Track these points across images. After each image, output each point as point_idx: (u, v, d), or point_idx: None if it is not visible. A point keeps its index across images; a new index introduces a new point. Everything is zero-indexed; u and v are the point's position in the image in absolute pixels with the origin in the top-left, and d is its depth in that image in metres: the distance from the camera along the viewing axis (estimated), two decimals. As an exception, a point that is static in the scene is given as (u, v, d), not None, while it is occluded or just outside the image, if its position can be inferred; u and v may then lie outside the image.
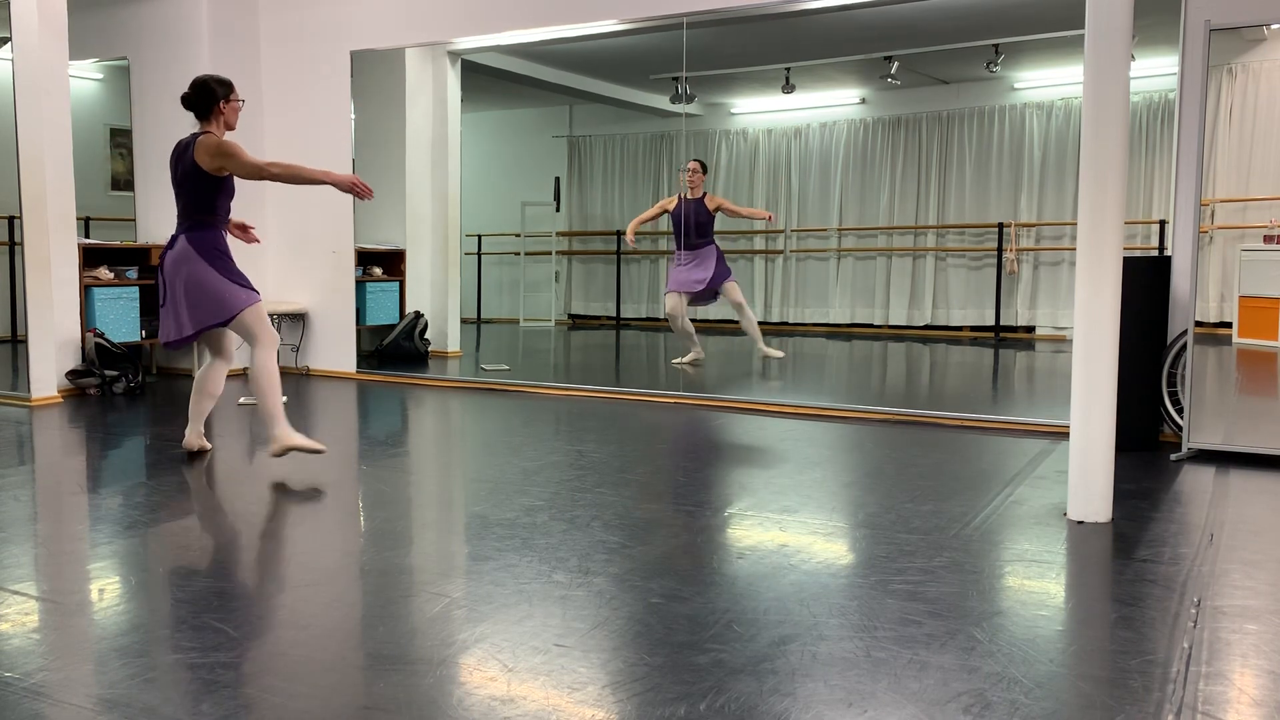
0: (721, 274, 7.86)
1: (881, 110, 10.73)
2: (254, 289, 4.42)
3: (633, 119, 11.55)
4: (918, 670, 2.25)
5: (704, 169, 7.98)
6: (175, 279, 4.34)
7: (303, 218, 7.59)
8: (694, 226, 7.84)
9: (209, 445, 4.75)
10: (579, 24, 6.56)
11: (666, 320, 8.05)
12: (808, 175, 11.05)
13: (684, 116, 10.53)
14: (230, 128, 4.43)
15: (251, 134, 7.61)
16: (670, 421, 5.60)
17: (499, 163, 12.29)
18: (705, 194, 7.89)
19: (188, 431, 4.64)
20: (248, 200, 7.57)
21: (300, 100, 7.57)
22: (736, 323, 11.15)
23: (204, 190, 4.33)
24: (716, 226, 11.31)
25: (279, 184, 7.56)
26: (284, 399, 6.29)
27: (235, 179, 4.40)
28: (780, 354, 7.83)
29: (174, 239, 4.38)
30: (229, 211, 4.46)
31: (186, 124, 7.65)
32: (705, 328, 11.10)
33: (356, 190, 4.30)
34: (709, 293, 7.90)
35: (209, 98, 4.35)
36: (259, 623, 2.53)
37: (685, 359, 7.91)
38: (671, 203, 7.95)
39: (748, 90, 10.80)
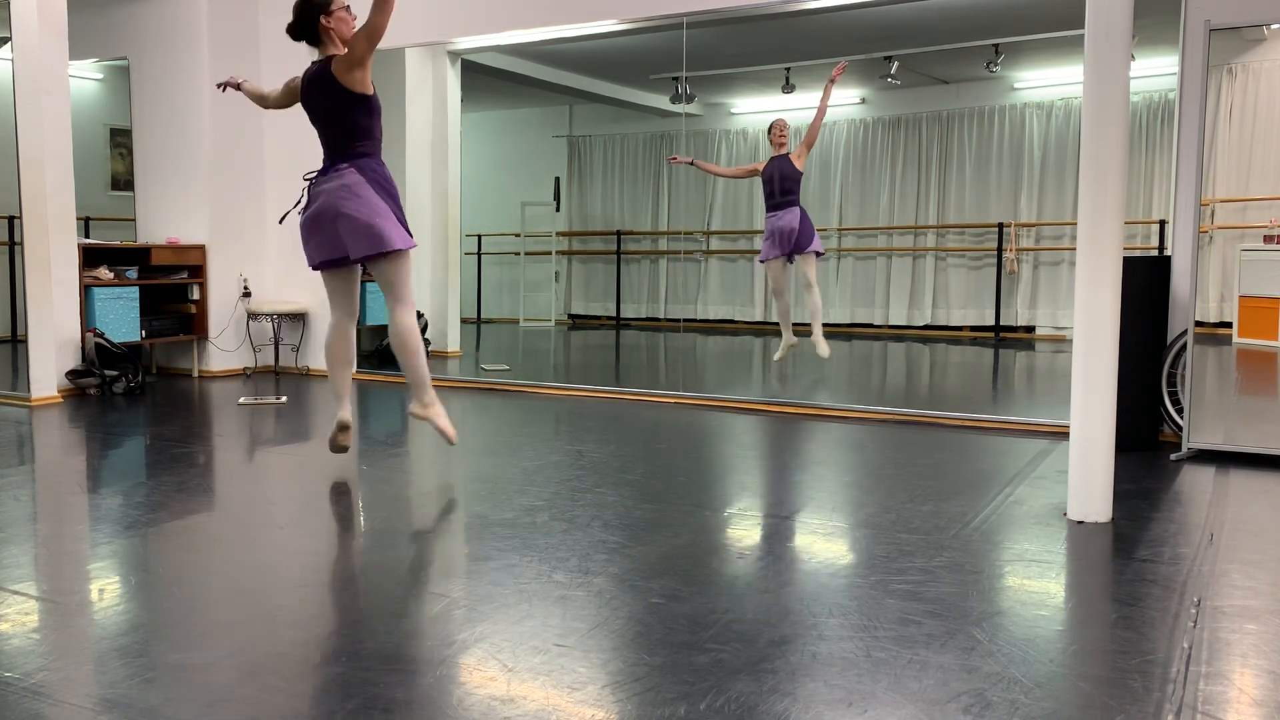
0: (806, 236, 7.40)
1: (881, 110, 10.73)
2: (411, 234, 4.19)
3: (633, 119, 11.56)
4: (918, 670, 2.25)
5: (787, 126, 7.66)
6: (342, 203, 4.01)
7: (303, 218, 7.59)
8: (779, 183, 7.50)
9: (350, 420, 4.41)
10: (579, 24, 6.55)
11: (771, 293, 7.61)
12: (808, 175, 11.02)
13: (684, 116, 10.54)
14: (344, 39, 4.07)
15: (252, 134, 7.62)
16: (670, 421, 5.60)
17: (499, 163, 12.30)
18: (789, 151, 7.57)
19: (345, 412, 4.33)
20: (249, 190, 7.58)
21: (300, 100, 7.57)
22: (734, 322, 11.18)
23: (358, 115, 4.04)
24: (716, 224, 11.38)
25: (279, 180, 7.57)
26: (283, 399, 6.31)
27: (379, 101, 4.12)
28: (827, 354, 7.54)
29: (335, 168, 4.06)
30: (381, 135, 4.15)
31: (185, 123, 7.63)
32: (702, 328, 11.11)
33: None
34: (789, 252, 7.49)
35: (310, 15, 4.04)
36: (259, 623, 2.53)
37: (779, 353, 7.61)
38: (761, 165, 7.65)
39: (748, 90, 10.80)
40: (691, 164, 7.85)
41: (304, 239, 4.21)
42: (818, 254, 7.54)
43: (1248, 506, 3.77)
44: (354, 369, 4.22)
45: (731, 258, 11.38)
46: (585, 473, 4.25)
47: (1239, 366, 5.29)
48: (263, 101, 4.50)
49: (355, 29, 4.07)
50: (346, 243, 4.07)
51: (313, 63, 4.14)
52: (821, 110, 7.54)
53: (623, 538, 3.28)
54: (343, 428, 4.32)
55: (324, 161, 4.15)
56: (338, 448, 4.41)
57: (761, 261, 7.65)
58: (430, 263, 8.55)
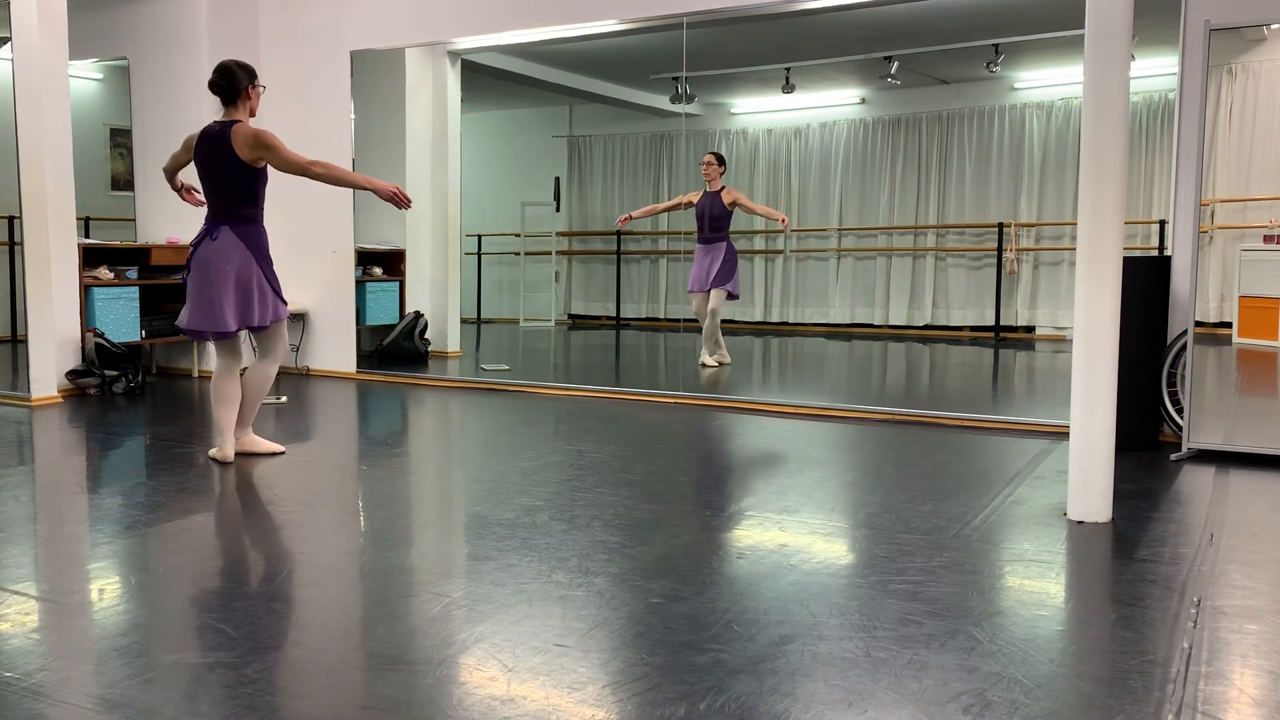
0: (723, 275, 7.72)
1: (881, 110, 10.73)
2: (285, 300, 4.53)
3: (633, 119, 11.55)
4: (918, 670, 2.25)
5: (720, 161, 7.81)
6: (221, 272, 4.27)
7: (302, 217, 7.60)
8: (708, 220, 7.75)
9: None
10: (579, 24, 6.56)
11: (695, 319, 7.99)
12: (808, 175, 11.04)
13: (684, 116, 10.53)
14: (253, 114, 4.44)
15: (251, 134, 7.61)
16: (670, 421, 5.60)
17: (499, 163, 12.29)
18: (723, 188, 7.78)
19: (228, 448, 4.46)
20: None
21: (300, 100, 7.57)
22: (734, 322, 11.17)
23: (245, 181, 4.31)
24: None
25: (277, 180, 7.56)
26: (284, 399, 6.31)
27: (270, 168, 4.41)
28: (715, 366, 7.72)
29: (213, 229, 4.31)
30: (264, 201, 4.43)
31: (185, 123, 7.65)
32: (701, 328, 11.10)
33: (397, 200, 4.34)
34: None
35: (237, 82, 4.35)
36: (259, 623, 2.53)
37: (710, 359, 7.78)
38: (696, 196, 7.87)
39: (748, 90, 10.80)
40: (630, 219, 8.09)
41: (188, 300, 4.40)
42: (731, 294, 7.81)
43: (1248, 506, 3.77)
44: (238, 407, 4.54)
45: (731, 258, 11.36)
46: (585, 473, 4.25)
47: (1239, 366, 5.29)
48: (177, 166, 4.65)
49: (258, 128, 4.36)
50: (229, 314, 4.30)
51: (214, 121, 4.39)
52: (754, 211, 8.15)
53: (623, 538, 3.27)
54: (222, 462, 4.49)
55: (205, 218, 4.38)
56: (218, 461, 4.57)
57: (689, 291, 7.97)
58: (430, 263, 8.55)
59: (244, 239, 4.30)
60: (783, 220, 8.10)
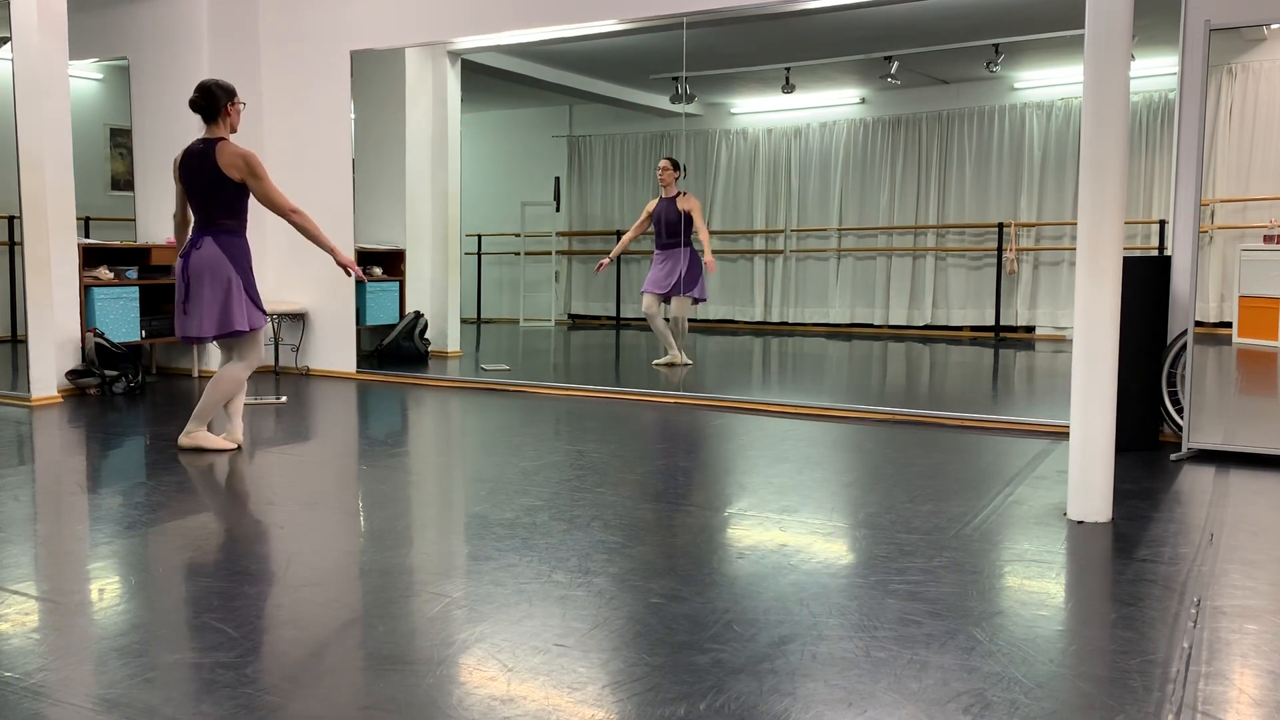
0: (688, 283, 7.66)
1: (881, 110, 10.73)
2: (264, 310, 4.72)
3: (633, 119, 11.55)
4: (918, 670, 2.25)
5: (676, 167, 7.75)
6: (203, 281, 4.52)
7: (303, 218, 7.59)
8: (664, 226, 7.74)
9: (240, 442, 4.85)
10: (579, 24, 6.56)
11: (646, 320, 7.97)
12: (808, 175, 11.04)
13: (684, 116, 10.53)
14: (234, 130, 4.64)
15: (251, 135, 7.61)
16: (670, 421, 5.60)
17: (499, 163, 12.29)
18: (680, 194, 7.72)
19: (235, 430, 4.80)
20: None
21: (300, 100, 7.57)
22: (734, 322, 11.18)
23: (229, 196, 4.54)
24: (716, 224, 11.37)
25: (276, 180, 7.57)
26: (283, 399, 6.31)
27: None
28: (665, 370, 7.61)
29: (198, 239, 4.55)
30: (247, 213, 4.66)
31: (185, 123, 7.65)
32: (702, 328, 11.11)
33: (348, 270, 4.76)
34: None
35: (216, 101, 4.57)
36: (259, 623, 2.53)
37: (662, 360, 7.78)
38: (653, 204, 7.86)
39: (748, 90, 10.80)
40: (605, 265, 8.18)
41: (176, 308, 4.66)
42: (696, 299, 7.77)
43: (1248, 506, 3.77)
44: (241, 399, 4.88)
45: (731, 257, 11.37)
46: (585, 473, 4.25)
47: (1239, 366, 5.29)
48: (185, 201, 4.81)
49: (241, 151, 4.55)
50: (202, 321, 4.54)
51: (197, 140, 4.58)
52: (698, 229, 7.85)
53: (623, 538, 3.27)
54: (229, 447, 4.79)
55: (192, 230, 4.62)
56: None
57: (641, 291, 7.94)
58: (430, 263, 8.55)
59: (225, 249, 4.52)
60: (709, 266, 7.86)
